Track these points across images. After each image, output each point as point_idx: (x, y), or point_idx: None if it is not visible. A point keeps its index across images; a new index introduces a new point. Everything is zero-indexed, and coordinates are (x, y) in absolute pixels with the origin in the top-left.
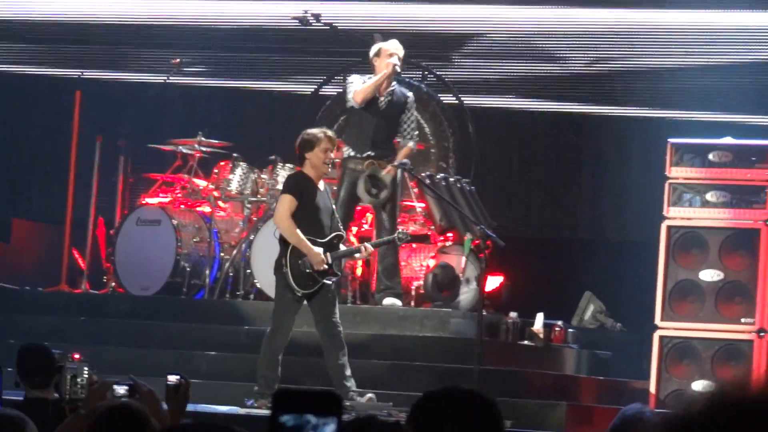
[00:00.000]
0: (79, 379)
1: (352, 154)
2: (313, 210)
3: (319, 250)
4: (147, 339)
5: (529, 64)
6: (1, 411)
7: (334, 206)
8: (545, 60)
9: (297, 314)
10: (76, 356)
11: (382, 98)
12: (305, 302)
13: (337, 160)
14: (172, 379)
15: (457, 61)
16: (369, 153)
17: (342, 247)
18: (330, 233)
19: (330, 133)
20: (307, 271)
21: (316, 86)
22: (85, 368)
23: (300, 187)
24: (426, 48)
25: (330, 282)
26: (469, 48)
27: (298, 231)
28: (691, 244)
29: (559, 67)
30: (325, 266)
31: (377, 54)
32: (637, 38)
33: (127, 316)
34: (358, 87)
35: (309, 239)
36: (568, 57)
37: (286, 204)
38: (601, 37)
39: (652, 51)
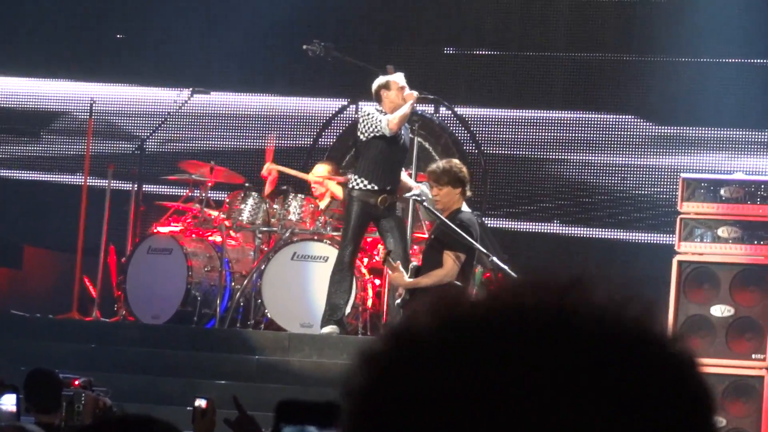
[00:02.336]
0: (76, 406)
1: (365, 185)
2: None
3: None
4: (157, 367)
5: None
6: (27, 427)
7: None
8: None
9: None
10: (76, 383)
11: (401, 130)
12: None
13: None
14: (200, 402)
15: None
16: (387, 187)
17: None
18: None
19: (429, 168)
20: None
21: (326, 118)
22: (83, 395)
23: None
24: None
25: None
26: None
27: None
28: (702, 279)
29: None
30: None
31: (385, 86)
32: None
33: (138, 344)
34: (390, 117)
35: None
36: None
37: None
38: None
39: None
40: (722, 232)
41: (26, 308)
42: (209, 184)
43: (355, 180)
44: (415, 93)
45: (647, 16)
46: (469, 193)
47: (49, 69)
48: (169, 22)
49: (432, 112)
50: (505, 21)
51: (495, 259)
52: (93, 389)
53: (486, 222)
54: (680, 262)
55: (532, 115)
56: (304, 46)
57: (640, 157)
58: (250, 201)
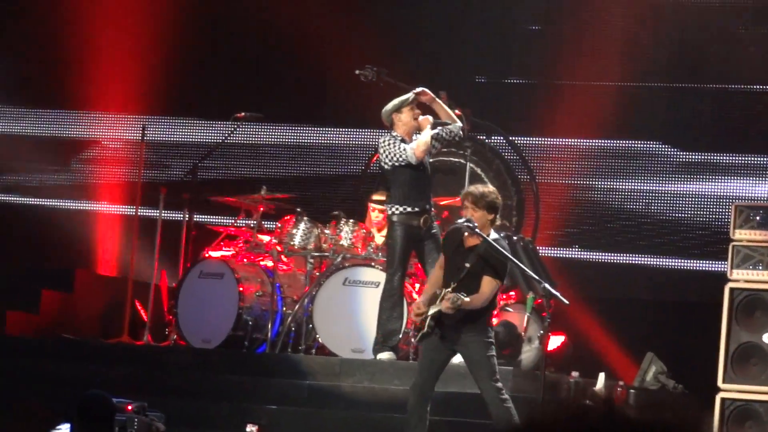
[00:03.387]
0: (129, 431)
1: (406, 209)
2: (446, 264)
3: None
4: (208, 392)
5: None
6: None
7: (468, 264)
8: None
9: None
10: (130, 407)
11: None
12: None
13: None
14: (251, 428)
15: None
16: (426, 207)
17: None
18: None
19: (468, 189)
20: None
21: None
22: (135, 420)
23: (444, 243)
24: None
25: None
26: None
27: (427, 285)
28: (755, 306)
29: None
30: (417, 319)
31: (397, 111)
32: None
33: (189, 368)
34: (413, 146)
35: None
36: None
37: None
38: None
39: None
40: None
41: (77, 332)
42: (261, 208)
43: (394, 207)
44: (430, 118)
45: (694, 45)
46: (498, 222)
47: (99, 100)
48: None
49: (484, 138)
50: (556, 51)
51: (547, 285)
52: (147, 414)
53: (538, 249)
54: (732, 290)
55: (584, 143)
56: (357, 71)
57: (689, 184)
58: (302, 226)
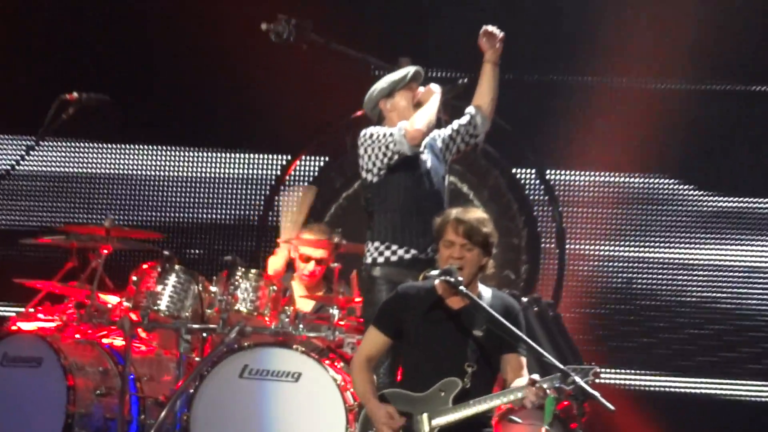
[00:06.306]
0: None
1: (396, 252)
2: (420, 346)
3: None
4: None
5: None
6: None
7: (479, 332)
8: None
9: None
10: None
11: (424, 151)
12: None
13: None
14: None
15: None
16: (428, 250)
17: (456, 407)
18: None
19: (453, 214)
20: None
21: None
22: None
23: (392, 308)
24: None
25: None
26: None
27: (364, 381)
28: None
29: None
30: None
31: (385, 94)
32: None
33: None
34: (405, 123)
35: (398, 392)
36: None
37: (364, 340)
38: None
39: None
40: None
41: None
42: (105, 251)
43: (375, 249)
44: (437, 87)
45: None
46: (491, 270)
47: None
48: None
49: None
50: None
51: (577, 378)
52: None
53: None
54: None
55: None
56: (263, 26)
57: None
58: (172, 279)
